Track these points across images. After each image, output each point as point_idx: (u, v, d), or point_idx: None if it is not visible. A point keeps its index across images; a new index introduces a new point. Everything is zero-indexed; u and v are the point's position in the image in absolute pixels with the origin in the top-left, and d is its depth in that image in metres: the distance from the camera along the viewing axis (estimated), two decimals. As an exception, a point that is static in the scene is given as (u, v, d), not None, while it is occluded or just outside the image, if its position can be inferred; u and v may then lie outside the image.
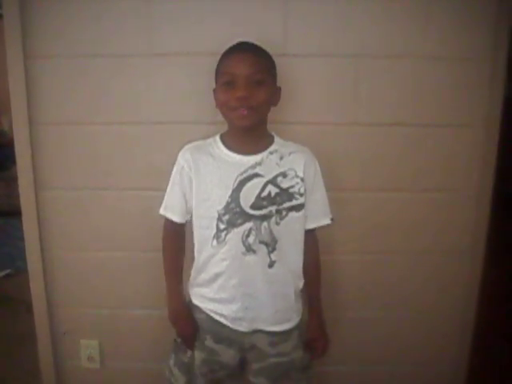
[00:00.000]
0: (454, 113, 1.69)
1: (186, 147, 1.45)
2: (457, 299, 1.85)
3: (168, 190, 1.47)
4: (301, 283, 1.48)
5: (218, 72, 1.39)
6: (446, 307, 1.87)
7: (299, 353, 1.48)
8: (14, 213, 2.27)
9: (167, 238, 1.51)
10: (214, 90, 1.42)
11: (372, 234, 1.80)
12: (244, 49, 1.37)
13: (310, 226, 1.47)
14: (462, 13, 1.63)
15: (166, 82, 1.68)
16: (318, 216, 1.47)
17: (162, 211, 1.48)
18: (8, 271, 3.33)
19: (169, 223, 1.49)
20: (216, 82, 1.40)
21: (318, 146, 1.66)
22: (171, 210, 1.46)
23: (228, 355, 1.45)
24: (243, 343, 1.44)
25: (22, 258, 2.02)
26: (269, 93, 1.36)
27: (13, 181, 1.92)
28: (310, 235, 1.49)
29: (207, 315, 1.45)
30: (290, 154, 1.41)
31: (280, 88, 1.44)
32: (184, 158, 1.42)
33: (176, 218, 1.46)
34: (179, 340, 1.51)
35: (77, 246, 1.81)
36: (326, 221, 1.48)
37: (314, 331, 1.52)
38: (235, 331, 1.42)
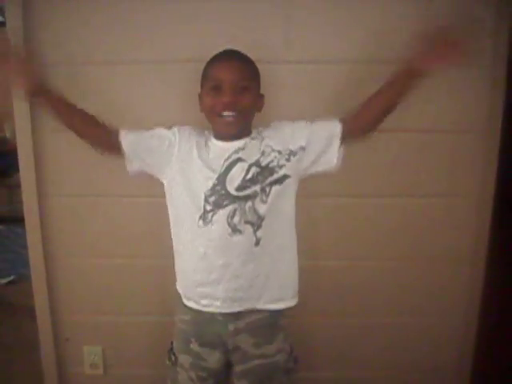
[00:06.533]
0: (455, 118, 1.70)
1: (193, 127, 1.49)
2: (459, 305, 1.85)
3: (152, 129, 1.50)
4: (293, 259, 1.48)
5: (205, 77, 1.43)
6: (448, 313, 1.87)
7: (283, 356, 1.48)
8: (17, 219, 2.28)
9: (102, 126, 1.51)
10: (200, 95, 1.46)
11: (372, 239, 1.80)
12: (231, 56, 1.41)
13: (337, 146, 1.43)
14: (462, 19, 1.63)
15: (166, 88, 1.69)
16: (331, 133, 1.43)
17: (121, 138, 1.49)
18: (11, 278, 3.33)
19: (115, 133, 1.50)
20: (202, 87, 1.44)
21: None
22: (129, 129, 1.50)
23: (213, 358, 1.46)
24: (227, 344, 1.45)
25: (24, 265, 2.02)
26: (253, 99, 1.41)
27: (15, 188, 1.93)
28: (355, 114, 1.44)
29: (192, 316, 1.46)
30: (260, 133, 1.44)
31: (263, 95, 1.47)
32: (188, 133, 1.47)
33: (123, 129, 1.49)
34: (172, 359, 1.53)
35: (80, 252, 1.82)
36: (338, 125, 1.43)
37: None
38: (217, 331, 1.43)
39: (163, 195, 1.51)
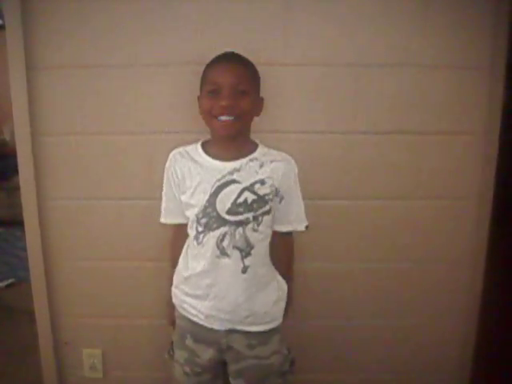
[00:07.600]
0: (454, 120, 1.70)
1: (173, 153, 1.48)
2: (459, 305, 1.85)
3: (163, 195, 1.50)
4: (282, 285, 1.50)
5: (204, 80, 1.42)
6: (448, 314, 1.86)
7: (279, 358, 1.49)
8: (16, 222, 2.28)
9: (177, 239, 1.53)
10: (199, 97, 1.45)
11: (372, 242, 1.80)
12: (230, 59, 1.40)
13: (286, 228, 1.49)
14: (460, 21, 1.64)
15: (166, 91, 1.69)
16: (294, 222, 1.49)
17: (162, 220, 1.52)
18: (10, 281, 3.33)
19: (175, 228, 1.53)
20: (201, 90, 1.43)
21: (318, 154, 1.68)
22: (172, 214, 1.50)
23: (207, 355, 1.46)
24: (220, 343, 1.45)
25: (23, 268, 2.02)
26: (252, 103, 1.39)
27: (14, 190, 1.93)
28: (286, 238, 1.53)
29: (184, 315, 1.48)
30: (271, 162, 1.42)
31: (263, 98, 1.46)
32: (172, 164, 1.46)
33: (180, 219, 1.49)
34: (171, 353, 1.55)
35: (79, 255, 1.82)
36: (301, 227, 1.50)
37: None
38: (211, 330, 1.43)
39: (161, 197, 1.51)
